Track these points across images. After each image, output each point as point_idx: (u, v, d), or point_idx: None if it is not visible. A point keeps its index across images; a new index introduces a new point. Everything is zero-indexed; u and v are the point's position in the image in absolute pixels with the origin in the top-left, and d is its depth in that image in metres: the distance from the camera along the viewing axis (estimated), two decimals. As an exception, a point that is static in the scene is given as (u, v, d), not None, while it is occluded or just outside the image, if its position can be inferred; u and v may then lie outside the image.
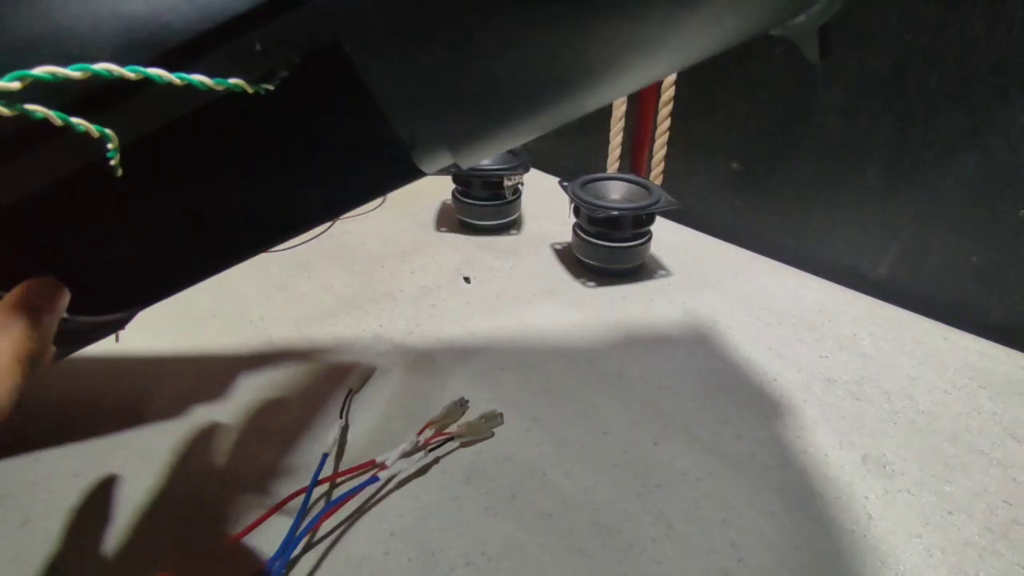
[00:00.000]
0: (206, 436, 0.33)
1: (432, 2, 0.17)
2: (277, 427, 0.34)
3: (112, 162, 0.15)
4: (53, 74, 0.13)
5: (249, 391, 0.36)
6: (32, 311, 0.17)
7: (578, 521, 0.28)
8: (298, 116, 0.23)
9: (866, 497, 0.30)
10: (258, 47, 0.16)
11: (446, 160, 0.22)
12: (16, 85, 0.13)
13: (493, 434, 0.34)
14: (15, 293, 0.17)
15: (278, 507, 0.27)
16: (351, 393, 0.36)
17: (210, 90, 0.15)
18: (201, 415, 0.34)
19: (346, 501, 0.28)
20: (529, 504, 0.29)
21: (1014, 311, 0.44)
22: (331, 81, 0.18)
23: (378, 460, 0.30)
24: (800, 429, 0.34)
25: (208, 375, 0.37)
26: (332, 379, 0.37)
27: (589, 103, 0.23)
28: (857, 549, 0.27)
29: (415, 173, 0.22)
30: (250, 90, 0.16)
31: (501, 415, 0.34)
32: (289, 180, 0.23)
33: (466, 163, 0.23)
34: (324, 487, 0.29)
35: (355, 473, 0.30)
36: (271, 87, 0.16)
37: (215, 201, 0.22)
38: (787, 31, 0.25)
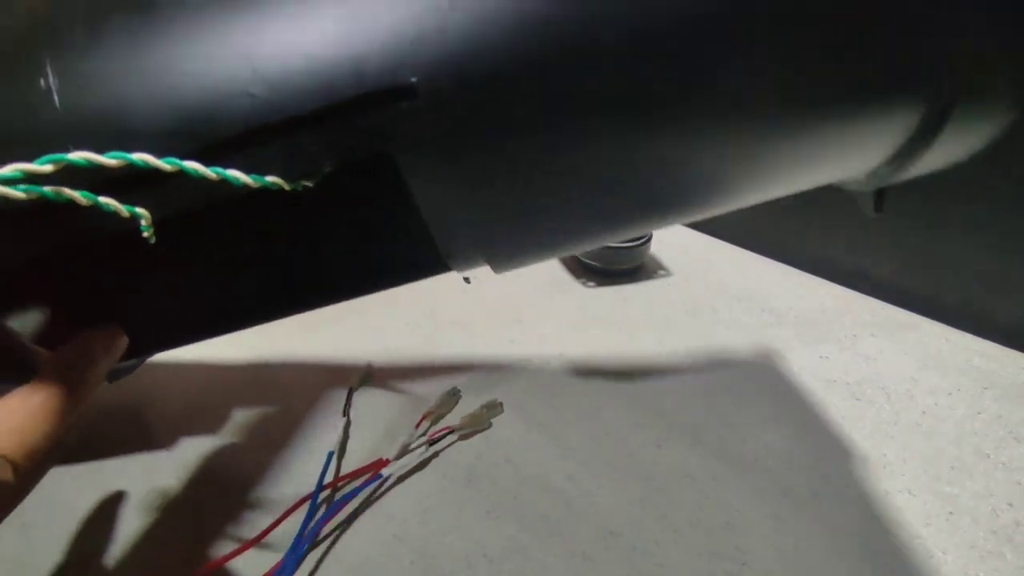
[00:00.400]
0: (208, 439, 0.33)
1: (491, 134, 0.17)
2: (280, 427, 0.33)
3: (145, 234, 0.15)
4: (88, 160, 0.14)
5: (251, 393, 0.36)
6: (90, 362, 0.17)
7: (580, 524, 0.28)
8: (331, 212, 0.24)
9: (868, 499, 0.30)
10: (309, 148, 0.16)
11: (479, 265, 0.22)
12: (48, 168, 0.13)
13: (491, 424, 0.33)
14: (80, 345, 0.18)
15: (287, 514, 0.27)
16: (352, 391, 0.36)
17: (246, 185, 0.15)
18: (202, 419, 0.34)
19: (350, 501, 0.28)
20: (531, 506, 0.29)
21: (1020, 313, 0.44)
22: (373, 185, 0.18)
23: (383, 458, 0.30)
24: (803, 431, 0.34)
25: (209, 379, 0.37)
26: (333, 378, 0.37)
27: (631, 233, 0.24)
28: (860, 552, 0.27)
29: (444, 270, 0.22)
30: (287, 188, 0.16)
31: (501, 404, 0.34)
32: (314, 266, 0.23)
33: (500, 271, 0.23)
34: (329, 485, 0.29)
35: (360, 475, 0.30)
36: (309, 184, 0.17)
37: (238, 275, 0.23)
38: (843, 184, 0.25)
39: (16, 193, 0.13)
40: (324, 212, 0.22)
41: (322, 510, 0.28)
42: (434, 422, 0.33)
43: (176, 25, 0.16)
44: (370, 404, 0.35)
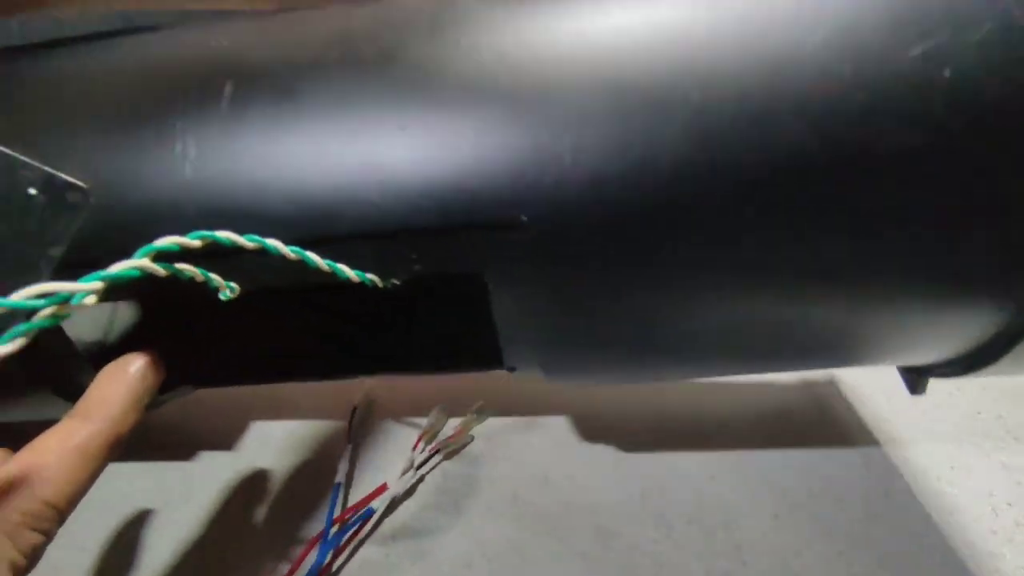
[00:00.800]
0: (225, 455, 0.33)
1: (583, 276, 0.18)
2: (285, 457, 0.33)
3: (225, 298, 0.16)
4: (232, 241, 0.15)
5: (265, 407, 0.36)
6: (132, 398, 0.17)
7: (579, 523, 0.28)
8: (411, 305, 0.26)
9: (867, 498, 0.30)
10: (412, 256, 0.17)
11: (534, 371, 0.23)
12: (197, 244, 0.15)
13: (472, 438, 0.33)
14: (120, 378, 0.18)
15: (302, 557, 0.26)
16: (355, 412, 0.34)
17: (349, 279, 0.17)
18: (219, 433, 0.34)
19: (357, 531, 0.27)
20: (530, 506, 0.29)
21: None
22: (457, 293, 0.20)
23: (384, 484, 0.29)
24: (800, 430, 0.34)
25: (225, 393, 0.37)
26: (335, 403, 0.37)
27: (675, 379, 0.25)
28: (860, 552, 0.27)
29: (499, 367, 0.24)
30: (380, 285, 0.18)
31: (476, 414, 0.33)
32: (382, 343, 0.25)
33: (552, 383, 0.24)
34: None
35: (365, 504, 0.29)
36: (398, 282, 0.18)
37: (309, 339, 0.26)
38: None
39: (158, 270, 0.14)
40: (406, 304, 0.25)
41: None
42: (429, 441, 0.32)
43: (315, 122, 0.17)
44: (371, 426, 0.35)
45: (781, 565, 0.27)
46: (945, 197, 0.17)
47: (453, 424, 0.33)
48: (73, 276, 0.13)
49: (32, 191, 0.13)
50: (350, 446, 0.32)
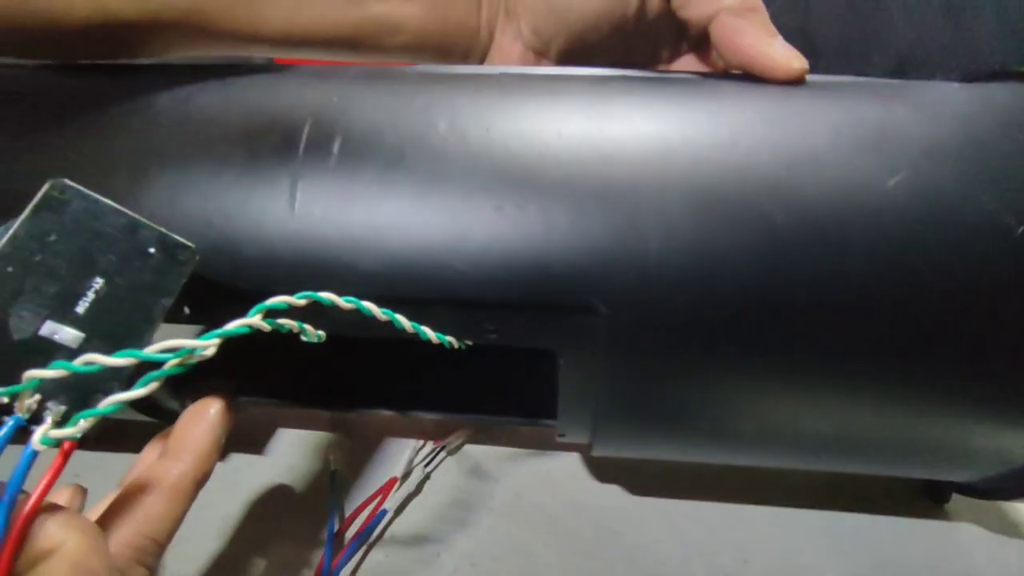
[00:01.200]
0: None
1: (652, 363, 0.19)
2: (312, 461, 0.33)
3: (311, 342, 0.18)
4: (332, 301, 0.17)
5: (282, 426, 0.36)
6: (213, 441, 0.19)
7: (582, 523, 0.28)
8: (482, 364, 0.27)
9: (868, 497, 0.30)
10: (490, 327, 0.19)
11: (583, 440, 0.24)
12: (302, 303, 0.16)
13: (472, 433, 0.33)
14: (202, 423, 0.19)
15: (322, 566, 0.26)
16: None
17: (429, 340, 0.18)
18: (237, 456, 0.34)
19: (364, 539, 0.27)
20: (533, 505, 0.29)
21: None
22: (525, 360, 0.21)
23: (393, 477, 0.29)
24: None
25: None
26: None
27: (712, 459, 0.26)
28: (860, 552, 0.27)
29: (548, 427, 0.25)
30: (456, 346, 0.19)
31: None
32: (449, 390, 0.27)
33: (596, 454, 0.25)
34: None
35: (373, 500, 0.29)
36: (470, 343, 0.19)
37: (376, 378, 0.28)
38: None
39: (265, 326, 0.16)
40: (476, 363, 0.27)
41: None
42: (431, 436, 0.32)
43: (417, 189, 0.18)
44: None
45: (782, 566, 0.27)
46: (989, 332, 0.18)
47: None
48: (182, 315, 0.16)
49: (151, 250, 0.15)
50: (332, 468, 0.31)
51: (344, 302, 0.17)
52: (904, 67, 0.44)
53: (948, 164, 0.18)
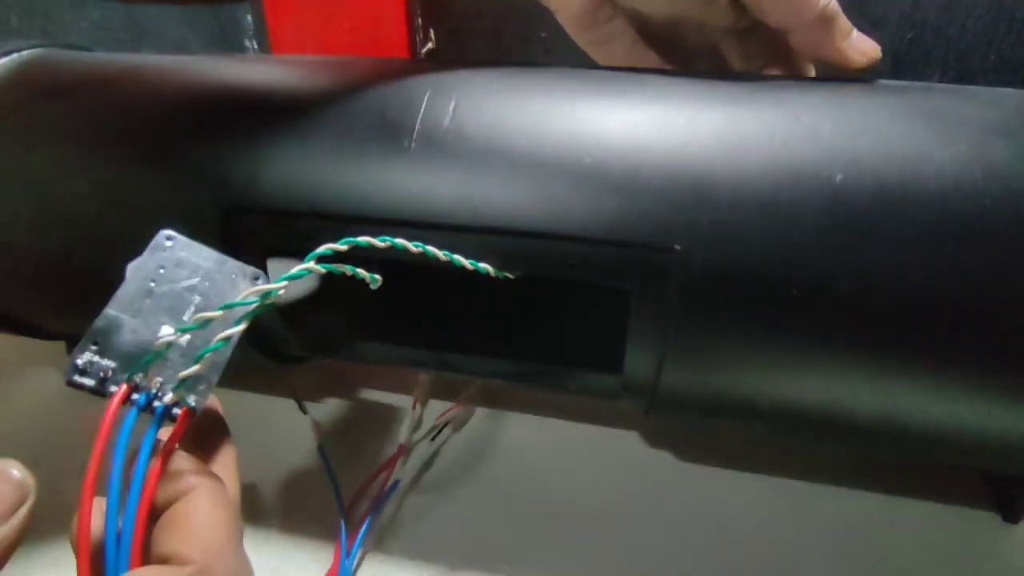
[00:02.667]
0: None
1: (720, 308, 0.20)
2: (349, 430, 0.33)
3: (374, 286, 0.20)
4: (369, 243, 0.19)
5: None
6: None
7: (579, 522, 0.28)
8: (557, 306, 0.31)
9: (867, 496, 0.30)
10: (572, 262, 0.21)
11: (639, 405, 0.26)
12: (344, 248, 0.19)
13: (475, 410, 0.34)
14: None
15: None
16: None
17: (463, 265, 0.21)
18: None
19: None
20: (530, 504, 0.29)
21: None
22: (601, 301, 0.23)
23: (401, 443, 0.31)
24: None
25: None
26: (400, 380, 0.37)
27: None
28: (860, 552, 0.27)
29: (603, 395, 0.27)
30: (493, 275, 0.21)
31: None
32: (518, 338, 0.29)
33: (651, 416, 0.26)
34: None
35: (381, 473, 0.30)
36: (511, 276, 0.22)
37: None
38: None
39: (320, 269, 0.19)
40: (555, 305, 0.30)
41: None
42: (424, 402, 0.33)
43: (516, 143, 0.22)
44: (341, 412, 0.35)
45: (781, 566, 0.27)
46: None
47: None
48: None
49: (234, 276, 0.19)
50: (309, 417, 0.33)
51: (379, 242, 0.19)
52: (900, 64, 0.44)
53: (1004, 140, 0.20)
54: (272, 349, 0.28)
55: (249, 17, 0.51)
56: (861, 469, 0.31)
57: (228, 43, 0.52)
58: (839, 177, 0.20)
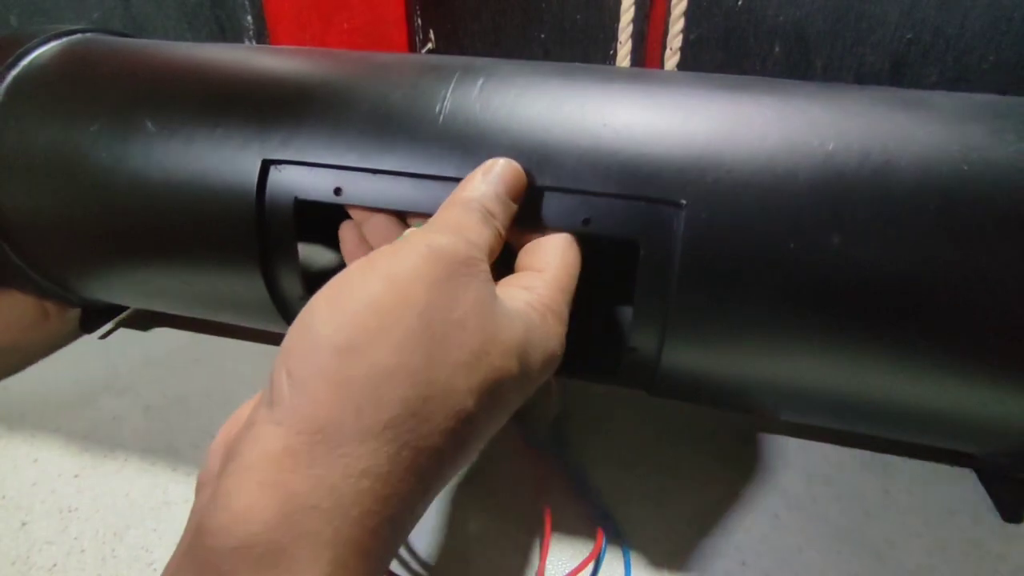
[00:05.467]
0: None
1: (723, 263, 0.22)
2: None
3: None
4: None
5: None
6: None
7: (578, 523, 0.28)
8: None
9: (864, 495, 0.30)
10: (586, 216, 0.23)
11: (639, 383, 0.27)
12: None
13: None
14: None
15: None
16: None
17: None
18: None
19: None
20: (528, 504, 0.29)
21: None
22: (607, 254, 0.24)
23: None
24: (800, 431, 0.34)
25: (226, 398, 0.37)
26: None
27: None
28: (860, 552, 0.27)
29: (599, 377, 0.28)
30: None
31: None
32: None
33: (655, 394, 0.28)
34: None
35: None
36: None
37: None
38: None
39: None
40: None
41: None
42: None
43: (540, 107, 0.24)
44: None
45: (780, 566, 0.27)
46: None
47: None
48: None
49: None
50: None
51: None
52: (898, 64, 0.44)
53: (978, 123, 0.22)
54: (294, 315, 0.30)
55: (249, 17, 0.51)
56: (862, 464, 0.31)
57: (225, 34, 0.52)
58: (831, 145, 0.22)
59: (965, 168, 0.21)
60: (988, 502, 0.29)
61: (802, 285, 0.21)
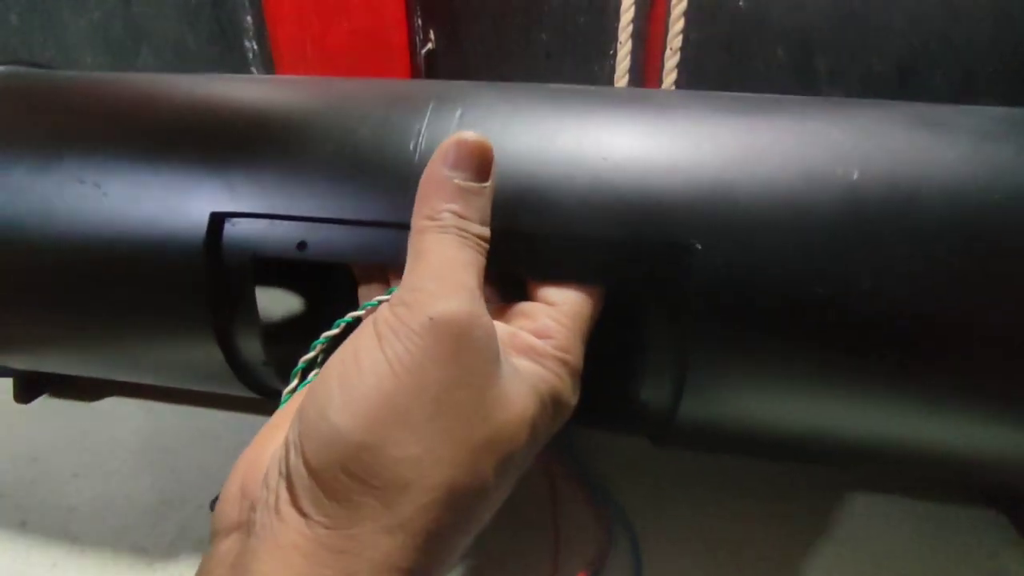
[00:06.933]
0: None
1: (735, 312, 0.20)
2: None
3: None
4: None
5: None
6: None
7: (589, 522, 0.28)
8: None
9: (868, 499, 0.30)
10: (589, 264, 0.20)
11: (644, 431, 0.25)
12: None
13: None
14: None
15: None
16: None
17: None
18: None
19: None
20: (531, 507, 0.29)
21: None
22: (617, 310, 0.22)
23: None
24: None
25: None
26: None
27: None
28: (859, 552, 0.27)
29: (607, 425, 0.27)
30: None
31: None
32: None
33: (660, 445, 0.26)
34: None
35: None
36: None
37: None
38: None
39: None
40: None
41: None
42: None
43: (531, 139, 0.21)
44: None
45: (780, 566, 0.27)
46: None
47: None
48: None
49: None
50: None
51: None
52: (905, 71, 0.44)
53: (1005, 143, 0.20)
54: (256, 383, 0.27)
55: (249, 17, 0.51)
56: (865, 480, 0.31)
57: (228, 43, 0.52)
58: (855, 174, 0.19)
59: (996, 198, 0.19)
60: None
61: (832, 332, 0.20)
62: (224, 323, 0.23)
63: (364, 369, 0.16)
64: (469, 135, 0.18)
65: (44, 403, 0.35)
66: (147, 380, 0.30)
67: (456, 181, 0.18)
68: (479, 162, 0.18)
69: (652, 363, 0.22)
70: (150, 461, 0.31)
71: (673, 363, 0.21)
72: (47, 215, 0.24)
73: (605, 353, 0.25)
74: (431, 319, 0.16)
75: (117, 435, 0.33)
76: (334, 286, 0.27)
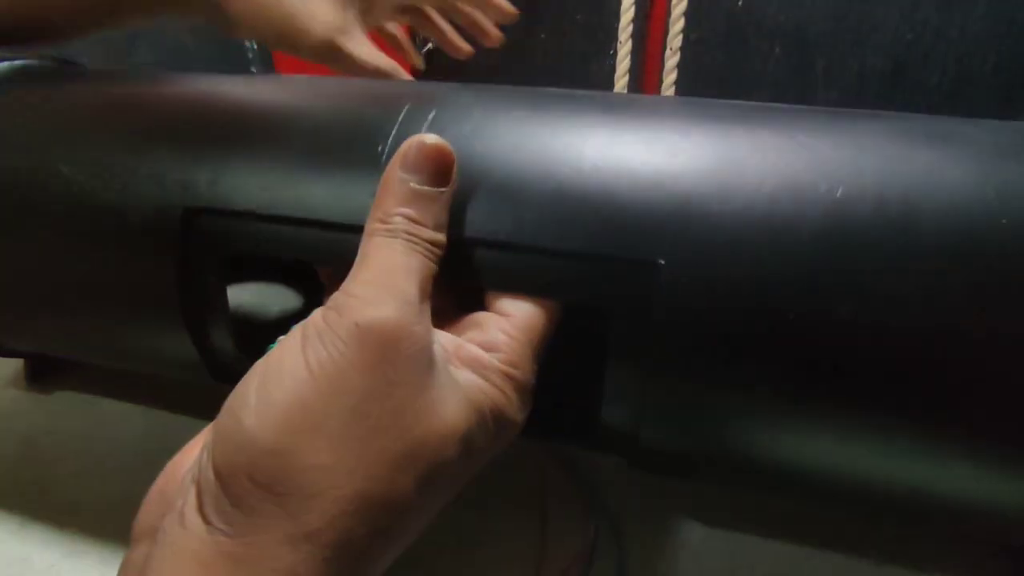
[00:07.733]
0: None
1: (701, 330, 0.19)
2: None
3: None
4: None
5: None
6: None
7: (576, 517, 0.28)
8: None
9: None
10: (546, 279, 0.19)
11: (614, 453, 0.24)
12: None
13: None
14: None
15: None
16: None
17: None
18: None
19: None
20: (533, 505, 0.29)
21: None
22: (578, 323, 0.21)
23: None
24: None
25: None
26: None
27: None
28: (859, 552, 0.27)
29: (574, 441, 0.25)
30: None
31: None
32: None
33: (633, 466, 0.25)
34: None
35: None
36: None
37: None
38: None
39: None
40: None
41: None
42: None
43: (495, 146, 0.21)
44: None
45: (779, 566, 0.27)
46: None
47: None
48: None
49: None
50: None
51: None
52: (900, 67, 0.44)
53: (1016, 161, 0.19)
54: (232, 379, 0.27)
55: (249, 17, 0.51)
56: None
57: (226, 44, 0.52)
58: (839, 191, 0.18)
59: (1004, 222, 0.17)
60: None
61: (803, 360, 0.18)
62: (196, 317, 0.23)
63: (284, 372, 0.15)
64: (429, 138, 0.18)
65: (44, 403, 0.35)
66: (126, 367, 0.31)
67: (411, 184, 0.18)
68: (437, 166, 0.18)
69: (610, 389, 0.21)
70: (150, 461, 0.31)
71: (635, 382, 0.20)
72: (27, 201, 0.25)
73: (573, 369, 0.25)
74: (357, 325, 0.15)
75: (117, 435, 0.33)
76: (315, 286, 0.26)
